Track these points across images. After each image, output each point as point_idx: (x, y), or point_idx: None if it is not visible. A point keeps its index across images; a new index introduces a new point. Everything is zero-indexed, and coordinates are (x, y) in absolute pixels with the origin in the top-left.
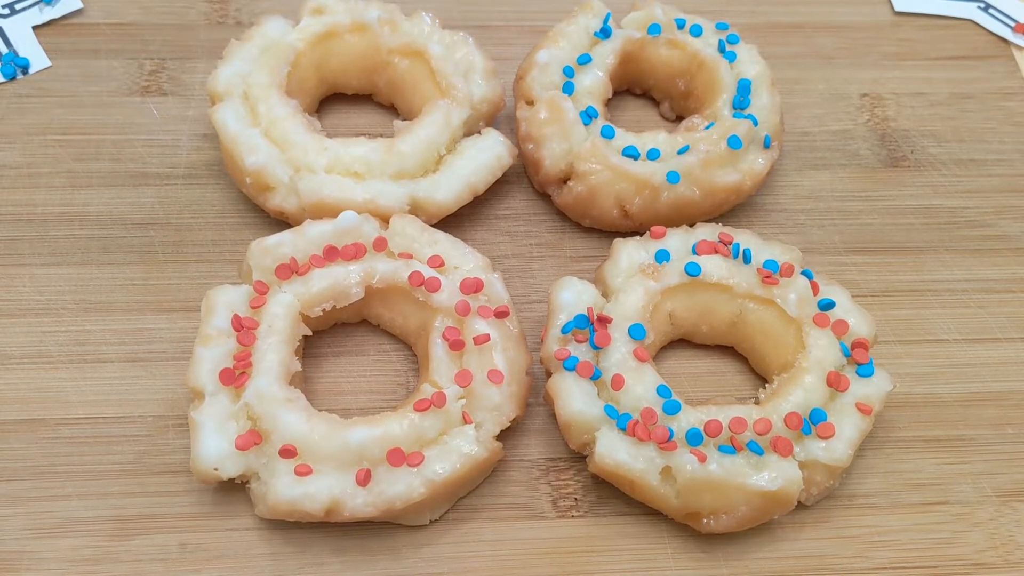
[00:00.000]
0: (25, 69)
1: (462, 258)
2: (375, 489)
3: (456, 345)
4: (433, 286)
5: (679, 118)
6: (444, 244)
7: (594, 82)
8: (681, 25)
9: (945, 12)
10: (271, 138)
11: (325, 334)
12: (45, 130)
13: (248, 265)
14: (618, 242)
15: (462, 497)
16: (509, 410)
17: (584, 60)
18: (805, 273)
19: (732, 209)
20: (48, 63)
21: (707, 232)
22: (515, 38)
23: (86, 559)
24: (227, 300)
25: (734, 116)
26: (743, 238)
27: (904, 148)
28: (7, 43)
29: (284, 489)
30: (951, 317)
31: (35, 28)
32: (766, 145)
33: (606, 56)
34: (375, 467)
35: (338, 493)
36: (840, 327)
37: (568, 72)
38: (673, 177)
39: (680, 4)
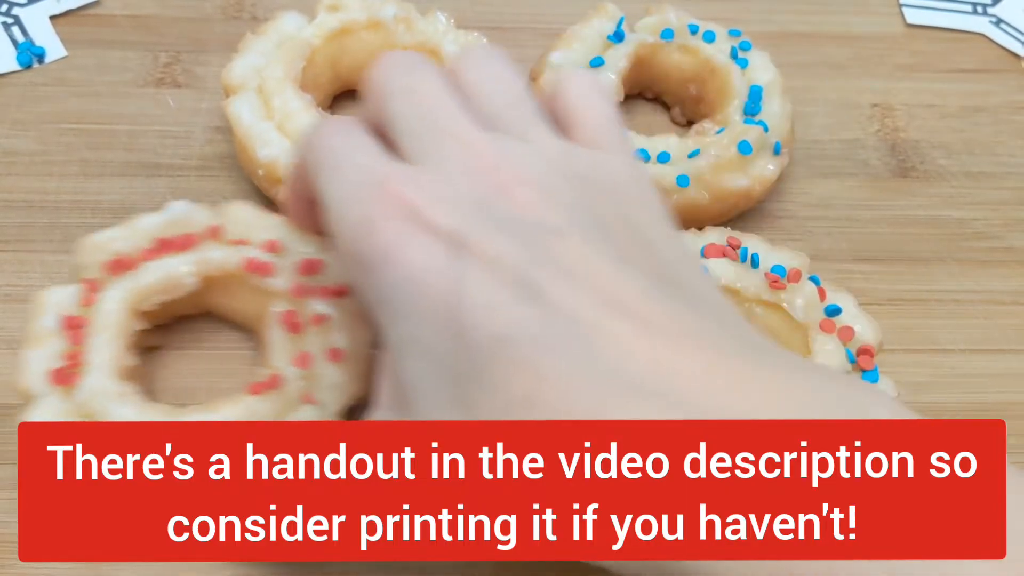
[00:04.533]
0: (41, 58)
1: (298, 241)
2: None
3: (294, 328)
4: (267, 270)
5: (690, 123)
6: (279, 228)
7: (606, 85)
8: (694, 31)
9: (957, 26)
10: (285, 131)
11: (167, 328)
12: (59, 118)
13: (78, 263)
14: None
15: None
16: (352, 388)
17: (597, 63)
18: (812, 279)
19: (741, 214)
20: (64, 53)
21: (716, 236)
22: (529, 40)
23: None
24: (56, 300)
25: (745, 122)
26: (751, 243)
27: (914, 159)
28: (24, 32)
29: None
30: (957, 327)
31: (52, 18)
32: (776, 152)
33: (619, 60)
34: None
35: None
36: (846, 333)
37: None
38: (683, 180)
39: (693, 10)
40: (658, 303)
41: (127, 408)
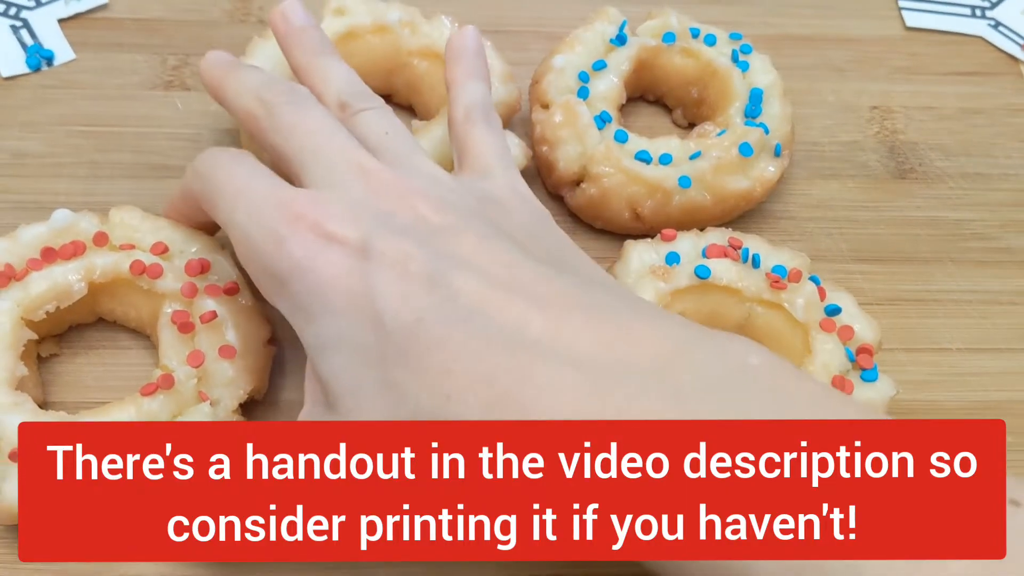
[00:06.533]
0: (50, 61)
1: (186, 241)
2: None
3: (185, 327)
4: (155, 272)
5: (691, 125)
6: (167, 230)
7: (609, 88)
8: (696, 34)
9: (955, 29)
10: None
11: (61, 336)
12: (68, 121)
13: None
14: (629, 243)
15: None
16: (244, 383)
17: (599, 66)
18: (812, 279)
19: (742, 215)
20: (73, 56)
21: (717, 236)
22: (532, 43)
23: None
24: None
25: (746, 124)
26: (752, 243)
27: (912, 160)
28: (32, 35)
29: (16, 492)
30: (955, 327)
31: (60, 21)
32: (777, 153)
33: (621, 63)
34: None
35: None
36: (846, 332)
37: (583, 77)
38: (685, 182)
39: (695, 14)
40: (546, 281)
41: (21, 418)
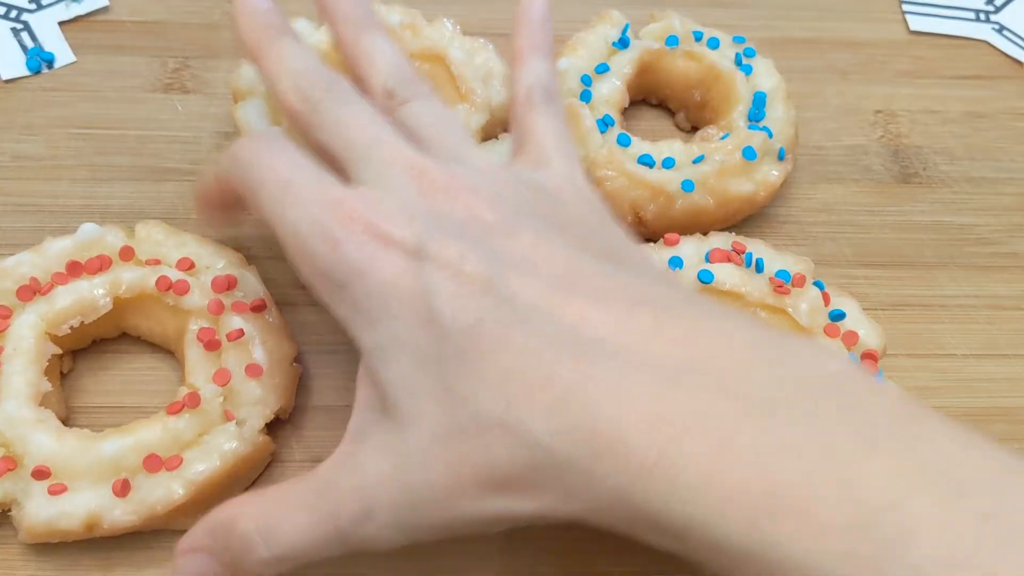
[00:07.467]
0: (50, 63)
1: (212, 257)
2: (135, 498)
3: (212, 345)
4: (182, 289)
5: (694, 129)
6: (192, 245)
7: (611, 91)
8: (699, 37)
9: (959, 32)
10: (293, 137)
11: (84, 351)
12: (69, 123)
13: None
14: None
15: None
16: (272, 402)
17: (602, 69)
18: (816, 284)
19: (745, 219)
20: (73, 58)
21: (720, 241)
22: None
23: None
24: None
25: (749, 128)
26: (756, 248)
27: (916, 164)
28: (33, 37)
29: (38, 510)
30: (960, 332)
31: (61, 23)
32: (780, 157)
33: (624, 66)
34: (133, 476)
35: (95, 507)
36: (850, 338)
37: (586, 80)
38: (688, 185)
39: (698, 17)
40: (606, 278)
41: (42, 435)
